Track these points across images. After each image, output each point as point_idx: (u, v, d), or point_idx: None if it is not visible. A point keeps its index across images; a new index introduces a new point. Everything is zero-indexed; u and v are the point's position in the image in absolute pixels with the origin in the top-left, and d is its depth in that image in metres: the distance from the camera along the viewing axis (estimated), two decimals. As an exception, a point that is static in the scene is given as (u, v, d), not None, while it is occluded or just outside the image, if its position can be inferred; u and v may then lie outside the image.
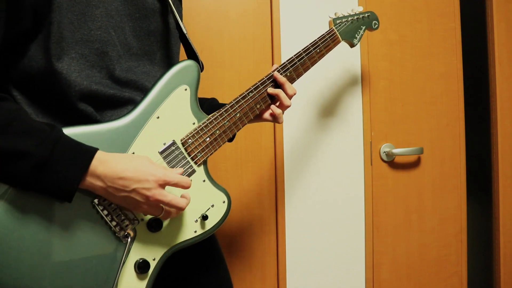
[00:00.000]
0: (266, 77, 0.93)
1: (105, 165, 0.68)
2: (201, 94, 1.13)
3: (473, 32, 1.75)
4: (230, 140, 0.93)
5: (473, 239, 1.91)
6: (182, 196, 0.75)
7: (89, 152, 0.67)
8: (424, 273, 1.57)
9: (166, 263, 0.80)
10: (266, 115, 0.96)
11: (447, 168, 1.60)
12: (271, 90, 0.93)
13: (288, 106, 0.95)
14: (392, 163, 1.53)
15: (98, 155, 0.68)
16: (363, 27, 1.17)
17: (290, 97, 0.95)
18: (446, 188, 1.60)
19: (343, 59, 1.48)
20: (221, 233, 1.38)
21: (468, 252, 1.64)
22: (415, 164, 1.57)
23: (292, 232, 1.43)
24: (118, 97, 0.78)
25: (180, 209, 0.73)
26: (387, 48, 1.53)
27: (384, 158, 1.51)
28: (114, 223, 0.72)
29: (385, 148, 1.51)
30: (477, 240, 1.91)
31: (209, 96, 1.11)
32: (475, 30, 1.74)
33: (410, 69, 1.56)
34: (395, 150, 1.49)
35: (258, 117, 0.97)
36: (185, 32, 0.89)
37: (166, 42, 0.88)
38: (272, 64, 1.41)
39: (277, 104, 0.96)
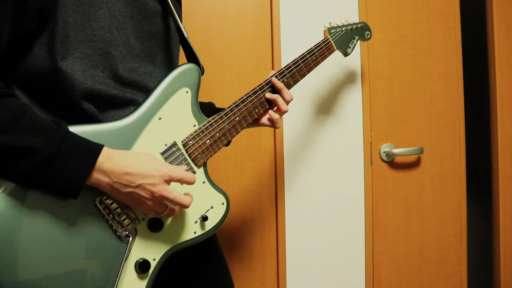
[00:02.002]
0: (264, 82, 0.96)
1: (111, 161, 0.68)
2: (201, 94, 1.13)
3: (473, 32, 1.75)
4: (226, 144, 0.94)
5: (473, 239, 1.91)
6: (185, 195, 0.75)
7: (95, 148, 0.68)
8: (424, 273, 1.57)
9: (166, 263, 0.80)
10: (264, 120, 0.99)
11: (447, 168, 1.60)
12: (269, 95, 0.96)
13: (285, 111, 0.98)
14: (392, 163, 1.53)
15: (105, 151, 0.68)
16: (356, 37, 1.22)
17: (287, 102, 0.98)
18: (446, 188, 1.60)
19: (343, 59, 1.48)
20: (221, 233, 1.38)
21: (468, 252, 1.64)
22: (415, 164, 1.57)
23: (292, 232, 1.43)
24: (120, 98, 0.78)
25: (184, 207, 0.74)
26: (387, 48, 1.53)
27: (384, 158, 1.51)
28: (115, 222, 0.73)
29: (385, 148, 1.51)
30: (477, 240, 1.91)
31: (208, 97, 1.12)
32: (475, 30, 1.74)
33: (410, 69, 1.56)
34: (395, 150, 1.49)
35: (256, 122, 0.99)
36: (186, 36, 0.90)
37: (167, 45, 0.89)
38: (272, 64, 1.42)
39: (275, 109, 0.99)
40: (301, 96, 1.44)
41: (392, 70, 1.54)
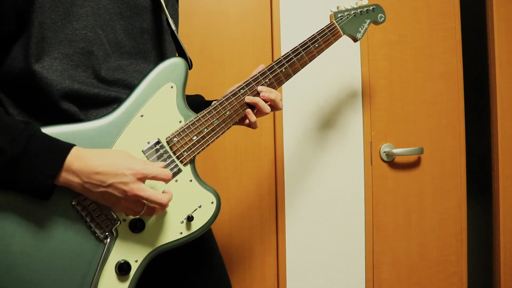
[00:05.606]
0: (259, 73, 0.90)
1: (81, 160, 0.66)
2: (200, 94, 1.13)
3: (473, 32, 1.75)
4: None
5: (473, 239, 1.91)
6: (163, 192, 0.73)
7: (64, 148, 0.66)
8: (424, 273, 1.57)
9: (155, 266, 0.79)
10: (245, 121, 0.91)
11: (447, 168, 1.60)
12: (249, 99, 0.88)
13: (267, 113, 0.90)
14: (392, 163, 1.53)
15: (74, 151, 0.67)
16: (368, 21, 1.11)
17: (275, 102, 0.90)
18: (446, 188, 1.60)
19: (343, 59, 1.48)
20: (221, 233, 1.38)
21: (468, 252, 1.64)
22: (415, 164, 1.57)
23: (292, 232, 1.43)
24: (103, 96, 0.77)
25: (161, 205, 0.71)
26: (387, 48, 1.53)
27: (384, 158, 1.51)
28: (93, 223, 0.71)
29: (385, 148, 1.51)
30: (477, 240, 1.91)
31: (208, 97, 1.10)
32: (475, 30, 1.74)
33: (410, 69, 1.56)
34: (395, 150, 1.49)
35: (240, 121, 0.91)
36: (174, 29, 0.87)
37: (161, 40, 0.87)
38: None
39: (255, 111, 0.90)
40: (301, 95, 1.44)
41: (392, 70, 1.54)
